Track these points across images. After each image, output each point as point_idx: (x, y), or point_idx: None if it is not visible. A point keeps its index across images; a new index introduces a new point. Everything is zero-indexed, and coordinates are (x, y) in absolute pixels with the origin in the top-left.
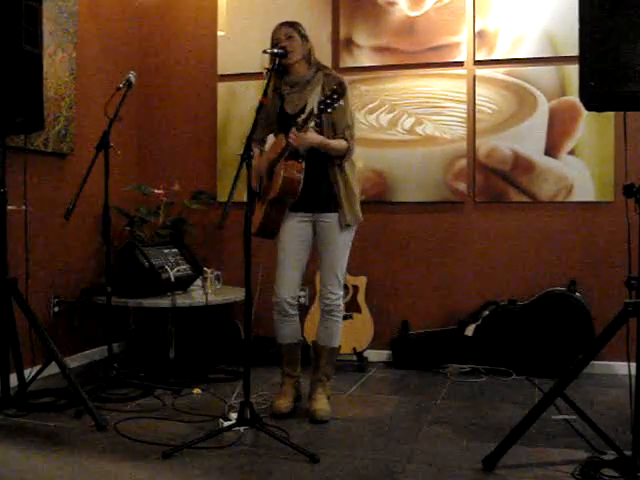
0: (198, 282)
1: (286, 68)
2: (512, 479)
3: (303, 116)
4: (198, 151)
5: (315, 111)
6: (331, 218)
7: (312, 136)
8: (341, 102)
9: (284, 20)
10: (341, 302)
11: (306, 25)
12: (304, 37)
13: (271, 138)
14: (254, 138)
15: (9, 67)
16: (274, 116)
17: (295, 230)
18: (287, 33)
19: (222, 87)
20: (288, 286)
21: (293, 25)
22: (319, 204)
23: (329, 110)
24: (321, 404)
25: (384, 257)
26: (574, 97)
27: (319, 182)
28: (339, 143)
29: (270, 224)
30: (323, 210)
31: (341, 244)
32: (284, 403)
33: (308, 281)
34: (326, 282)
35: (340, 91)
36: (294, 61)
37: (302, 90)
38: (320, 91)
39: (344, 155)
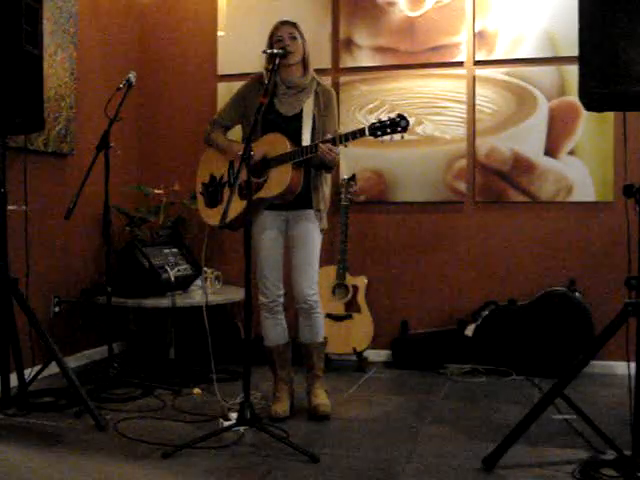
0: (198, 282)
1: (282, 68)
2: (512, 479)
3: (342, 132)
4: (198, 151)
5: (367, 133)
6: (307, 215)
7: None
8: (397, 136)
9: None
10: (318, 297)
11: (306, 25)
12: (304, 39)
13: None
14: (218, 122)
15: (9, 67)
16: (252, 109)
17: (272, 228)
18: (291, 33)
19: (222, 87)
20: (275, 284)
21: (295, 26)
22: (294, 203)
23: (384, 138)
24: (322, 399)
25: (384, 257)
26: (574, 97)
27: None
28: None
29: (243, 219)
30: (297, 207)
31: (316, 242)
32: (281, 407)
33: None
34: (303, 279)
35: (404, 125)
36: (293, 62)
37: (298, 94)
38: (314, 99)
39: (333, 168)
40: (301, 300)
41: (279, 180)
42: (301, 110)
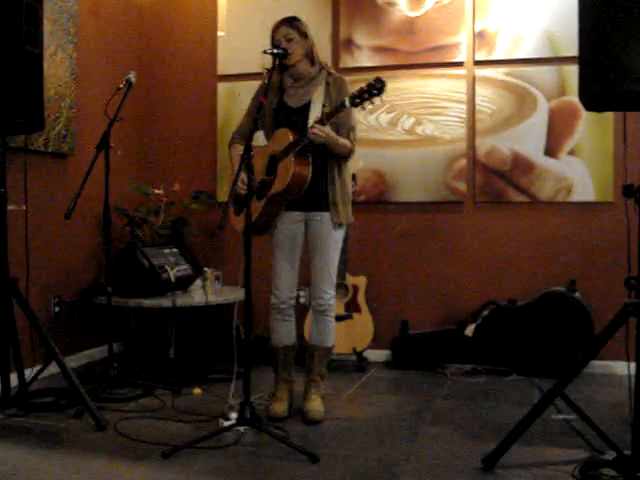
0: (198, 282)
1: (287, 66)
2: (512, 479)
3: (325, 109)
4: (198, 151)
5: (347, 104)
6: (323, 217)
7: (331, 131)
8: (376, 99)
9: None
10: (333, 301)
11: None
12: (304, 35)
13: (260, 135)
14: (239, 131)
15: (9, 67)
16: (268, 111)
17: (290, 230)
18: (286, 35)
19: (222, 87)
20: (287, 286)
21: (292, 24)
22: (312, 203)
23: (365, 105)
24: (314, 405)
25: (384, 257)
26: (574, 97)
27: (316, 180)
28: (345, 142)
29: (265, 220)
30: (315, 209)
31: (333, 243)
32: (281, 407)
33: (307, 281)
34: (319, 281)
35: (379, 86)
36: (295, 61)
37: (306, 85)
38: (324, 89)
39: (347, 155)
40: (315, 302)
41: (283, 173)
42: (309, 101)
